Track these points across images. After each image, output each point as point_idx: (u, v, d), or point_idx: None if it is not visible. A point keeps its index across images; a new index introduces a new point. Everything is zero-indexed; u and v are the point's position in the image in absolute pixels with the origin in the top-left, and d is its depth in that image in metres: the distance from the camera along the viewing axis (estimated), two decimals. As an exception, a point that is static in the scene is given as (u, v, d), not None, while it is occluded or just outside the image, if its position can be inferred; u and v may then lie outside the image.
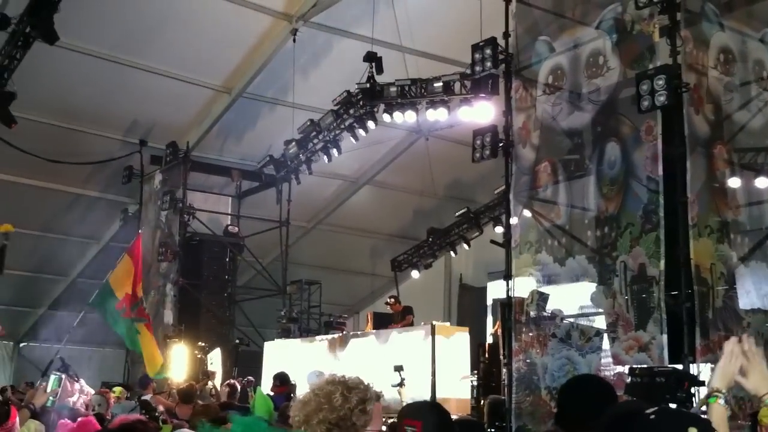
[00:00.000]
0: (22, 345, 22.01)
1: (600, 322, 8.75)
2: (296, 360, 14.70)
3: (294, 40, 14.81)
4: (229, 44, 15.39)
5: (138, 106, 16.48)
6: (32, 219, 17.17)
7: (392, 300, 15.30)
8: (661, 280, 7.99)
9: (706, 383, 2.77)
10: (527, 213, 9.86)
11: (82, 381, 9.52)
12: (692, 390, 6.87)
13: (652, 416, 2.33)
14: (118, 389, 12.79)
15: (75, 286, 19.44)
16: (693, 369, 7.49)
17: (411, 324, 14.32)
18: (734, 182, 8.70)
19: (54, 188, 17.80)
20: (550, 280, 9.45)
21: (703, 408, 2.82)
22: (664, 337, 7.87)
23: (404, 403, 4.72)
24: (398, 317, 14.85)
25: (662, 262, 8.00)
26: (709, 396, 2.72)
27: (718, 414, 2.65)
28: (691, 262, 7.80)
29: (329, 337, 15.50)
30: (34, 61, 13.33)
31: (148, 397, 11.85)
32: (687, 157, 7.96)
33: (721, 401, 2.68)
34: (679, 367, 7.50)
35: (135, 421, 5.01)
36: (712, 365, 6.59)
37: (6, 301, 19.56)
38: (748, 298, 8.42)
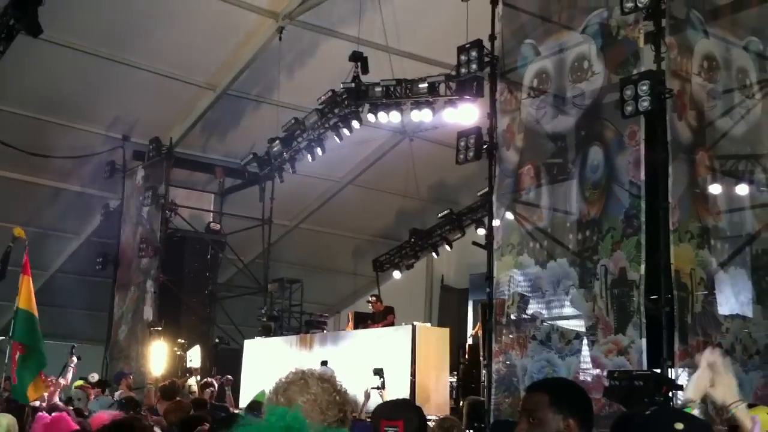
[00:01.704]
0: (0, 339, 21.83)
1: (580, 325, 8.79)
2: (276, 359, 14.67)
3: (280, 39, 14.76)
4: (214, 41, 15.31)
5: (121, 101, 16.37)
6: (13, 212, 17.01)
7: (374, 299, 15.18)
8: (641, 285, 8.05)
9: (682, 393, 2.84)
10: (510, 215, 9.89)
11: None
12: (670, 394, 6.92)
13: (647, 412, 2.39)
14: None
15: (54, 281, 19.29)
16: (671, 373, 7.55)
17: (392, 324, 14.27)
18: (715, 189, 8.77)
19: (35, 182, 17.66)
20: (531, 282, 9.49)
21: None
22: (644, 341, 7.92)
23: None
24: (379, 317, 14.78)
25: (643, 267, 8.05)
26: (683, 407, 2.81)
27: None
28: (671, 267, 7.86)
29: (309, 335, 15.47)
30: (17, 53, 13.20)
31: (118, 393, 11.79)
32: (669, 163, 8.03)
33: (696, 411, 2.75)
34: (658, 371, 7.55)
35: (131, 417, 4.95)
36: (691, 370, 6.63)
37: (-17, 294, 19.39)
38: (727, 303, 8.49)
